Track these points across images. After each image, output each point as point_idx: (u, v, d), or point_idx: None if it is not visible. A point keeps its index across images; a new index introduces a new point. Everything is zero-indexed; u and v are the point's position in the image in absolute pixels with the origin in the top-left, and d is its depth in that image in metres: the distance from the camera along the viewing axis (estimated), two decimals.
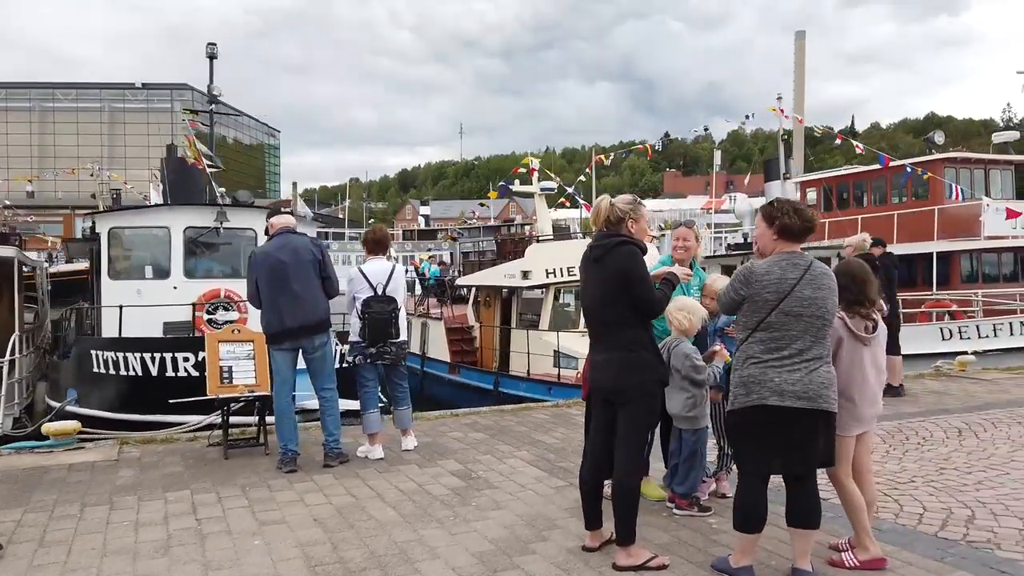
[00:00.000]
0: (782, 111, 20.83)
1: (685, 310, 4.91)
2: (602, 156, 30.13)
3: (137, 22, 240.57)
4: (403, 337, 6.87)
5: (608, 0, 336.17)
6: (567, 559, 4.22)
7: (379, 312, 6.58)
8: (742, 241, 22.33)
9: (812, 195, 25.72)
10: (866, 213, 22.76)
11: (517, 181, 20.26)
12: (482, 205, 27.49)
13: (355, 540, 4.51)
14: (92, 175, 63.30)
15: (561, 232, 19.80)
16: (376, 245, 7.00)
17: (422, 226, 69.24)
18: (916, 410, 8.72)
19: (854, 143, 19.15)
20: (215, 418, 7.55)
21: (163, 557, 4.25)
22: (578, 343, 14.59)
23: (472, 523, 4.83)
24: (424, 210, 76.30)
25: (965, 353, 15.08)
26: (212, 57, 13.67)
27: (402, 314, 6.91)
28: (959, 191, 17.63)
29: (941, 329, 15.61)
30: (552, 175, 19.45)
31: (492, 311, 18.87)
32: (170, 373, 8.95)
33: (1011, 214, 17.36)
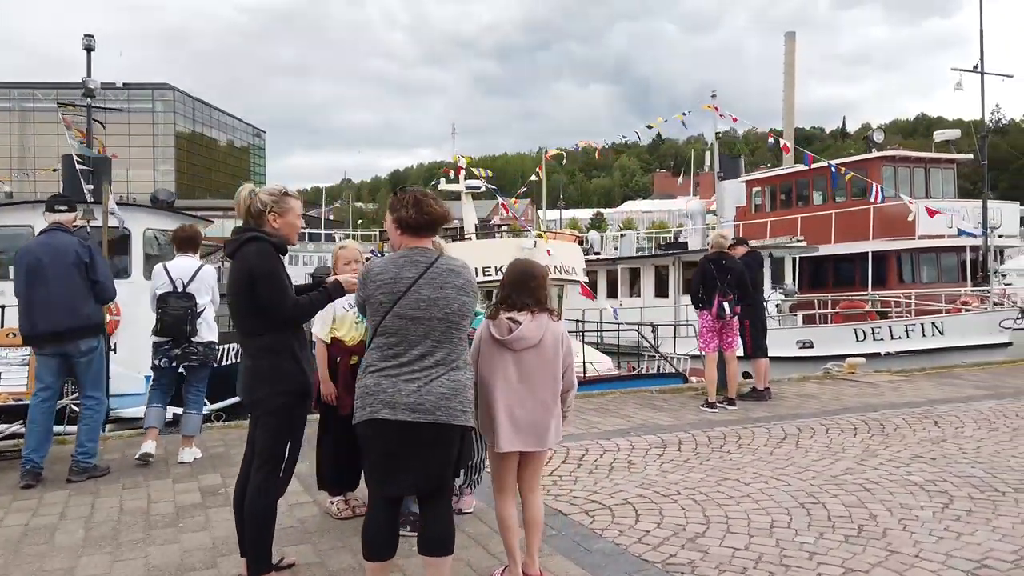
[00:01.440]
0: (716, 109, 20.45)
1: None
2: (550, 154, 29.83)
3: (136, 22, 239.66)
4: (210, 337, 6.60)
5: (602, 2, 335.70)
6: None
7: (175, 308, 6.41)
8: (673, 241, 22.00)
9: (758, 194, 25.51)
10: (805, 212, 22.49)
11: (443, 180, 19.92)
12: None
13: None
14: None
15: (486, 231, 19.44)
16: (184, 243, 6.87)
17: None
18: (765, 414, 8.37)
19: (781, 141, 18.75)
20: (19, 427, 7.19)
21: None
22: None
23: (153, 547, 4.45)
24: None
25: (878, 355, 14.83)
26: (89, 49, 13.24)
27: (208, 313, 6.64)
28: (879, 190, 17.28)
29: (855, 330, 15.27)
30: (478, 173, 19.05)
31: None
32: None
33: (930, 213, 17.02)
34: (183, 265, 6.61)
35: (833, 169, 18.21)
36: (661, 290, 20.21)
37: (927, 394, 9.64)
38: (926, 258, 21.13)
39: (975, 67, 20.06)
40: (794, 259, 20.88)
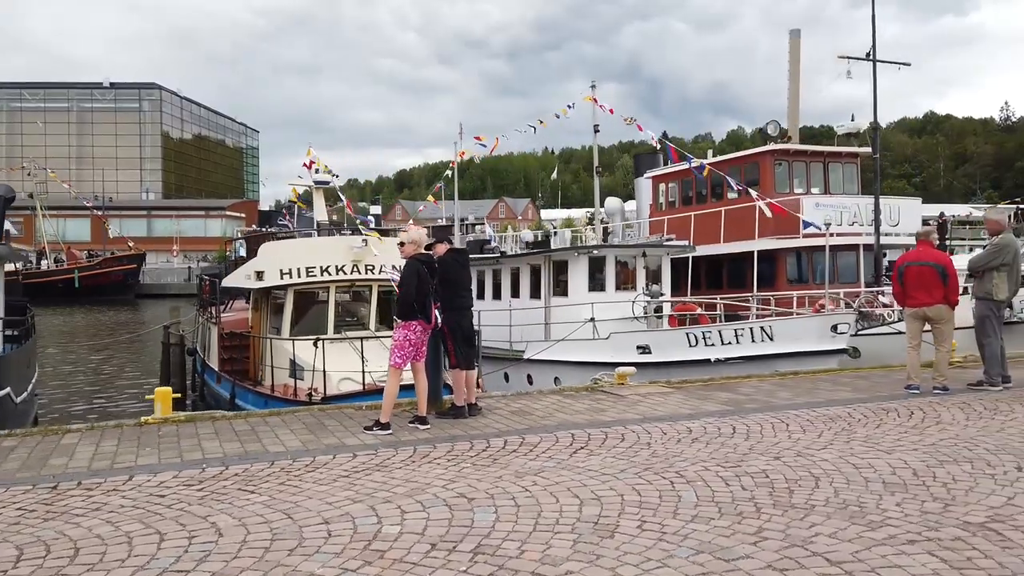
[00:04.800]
0: (595, 100, 19.28)
1: None
2: (464, 152, 28.80)
3: (147, 23, 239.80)
4: None
5: (613, 1, 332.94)
6: None
7: None
8: (541, 239, 20.87)
9: (663, 191, 24.34)
10: (698, 210, 21.30)
11: (298, 176, 19.01)
12: (299, 205, 25.85)
13: None
14: (29, 174, 62.94)
15: (327, 228, 18.46)
16: None
17: (373, 225, 68.06)
18: (420, 437, 7.30)
19: (651, 134, 17.54)
20: None
21: None
22: (309, 351, 13.23)
23: None
24: (375, 209, 75.09)
25: (708, 362, 13.72)
26: None
27: None
28: (733, 185, 16.04)
29: (687, 335, 14.06)
30: (330, 170, 18.03)
31: (260, 315, 17.54)
32: None
33: (775, 209, 15.80)
34: None
35: (693, 168, 16.99)
36: (536, 290, 19.04)
37: (662, 411, 8.47)
38: (821, 257, 19.87)
39: (868, 55, 18.81)
40: (688, 260, 19.67)
